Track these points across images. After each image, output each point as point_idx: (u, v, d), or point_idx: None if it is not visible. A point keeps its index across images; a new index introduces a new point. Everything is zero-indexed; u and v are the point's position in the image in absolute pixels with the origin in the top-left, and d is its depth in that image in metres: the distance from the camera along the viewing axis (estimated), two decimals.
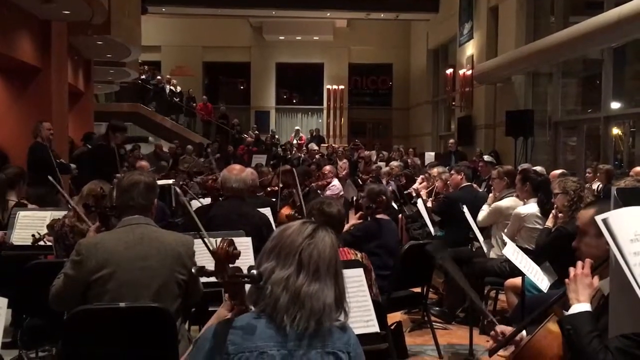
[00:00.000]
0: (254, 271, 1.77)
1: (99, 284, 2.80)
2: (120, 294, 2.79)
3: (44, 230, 4.31)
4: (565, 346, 2.15)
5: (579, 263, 2.22)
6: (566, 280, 2.21)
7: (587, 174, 9.30)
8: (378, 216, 4.87)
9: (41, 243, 4.27)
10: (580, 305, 2.11)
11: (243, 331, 1.75)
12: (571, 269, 2.22)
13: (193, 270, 1.90)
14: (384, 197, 4.97)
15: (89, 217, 3.88)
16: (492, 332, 2.47)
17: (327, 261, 1.83)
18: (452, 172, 7.03)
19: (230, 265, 1.84)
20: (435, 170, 8.18)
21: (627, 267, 1.60)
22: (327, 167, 9.66)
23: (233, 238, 1.97)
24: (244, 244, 3.72)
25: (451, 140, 16.11)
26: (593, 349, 2.00)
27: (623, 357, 1.99)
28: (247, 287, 1.86)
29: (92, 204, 3.63)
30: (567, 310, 2.16)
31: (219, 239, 1.92)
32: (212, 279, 2.10)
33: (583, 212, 2.47)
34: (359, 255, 3.76)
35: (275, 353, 1.75)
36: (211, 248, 2.81)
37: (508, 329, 2.45)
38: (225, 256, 1.83)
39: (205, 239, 2.75)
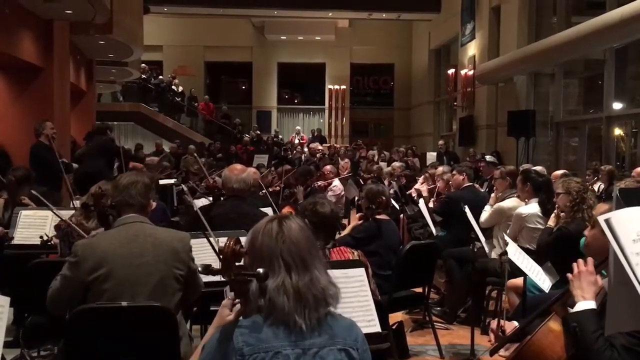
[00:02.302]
0: (260, 269, 1.78)
1: (97, 284, 2.81)
2: (119, 291, 2.81)
3: (46, 229, 4.33)
4: (566, 344, 2.15)
5: (580, 260, 2.23)
6: (569, 276, 2.21)
7: (587, 176, 9.26)
8: (378, 217, 4.87)
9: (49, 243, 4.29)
10: (586, 303, 2.12)
11: (256, 332, 1.77)
12: (574, 265, 2.22)
13: (199, 269, 1.91)
14: (383, 198, 4.96)
15: (89, 217, 3.91)
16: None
17: (306, 246, 1.86)
18: (454, 172, 7.04)
19: (237, 264, 1.84)
20: (436, 171, 8.19)
21: (629, 266, 1.60)
22: (328, 167, 9.65)
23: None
24: None
25: (440, 142, 16.11)
26: (599, 346, 2.01)
27: (629, 355, 1.99)
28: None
29: (91, 203, 3.65)
30: (570, 308, 2.17)
31: (224, 239, 1.93)
32: (215, 279, 2.11)
33: (601, 205, 2.55)
34: (355, 253, 3.76)
35: (289, 352, 1.77)
36: (216, 247, 2.82)
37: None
38: (232, 254, 1.84)
39: (211, 239, 2.76)
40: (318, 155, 15.99)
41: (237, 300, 1.88)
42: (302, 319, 1.77)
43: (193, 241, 3.11)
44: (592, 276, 2.17)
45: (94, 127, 10.01)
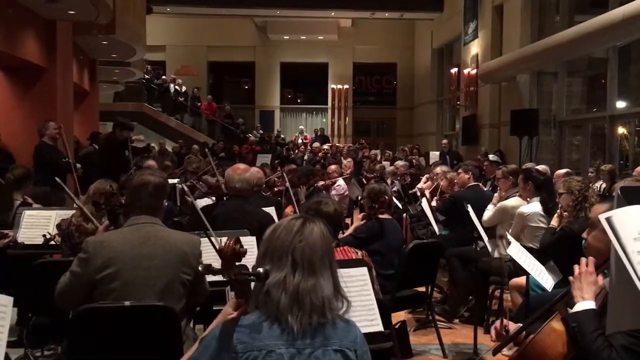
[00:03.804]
0: (260, 269, 1.79)
1: (105, 283, 2.81)
2: (125, 293, 2.80)
3: (49, 229, 4.34)
4: (569, 344, 2.15)
5: (583, 260, 2.23)
6: (570, 278, 2.22)
7: (589, 174, 9.27)
8: (381, 216, 4.86)
9: (51, 243, 4.30)
10: (585, 303, 2.11)
11: (251, 330, 1.77)
12: (576, 267, 2.23)
13: (200, 268, 1.92)
14: (385, 197, 4.95)
15: (97, 216, 3.91)
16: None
17: (320, 253, 1.85)
18: (460, 171, 7.03)
19: (237, 263, 1.85)
20: (439, 170, 8.18)
21: (630, 265, 1.60)
22: (332, 167, 9.64)
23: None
24: (249, 243, 3.74)
25: (444, 141, 16.12)
26: (597, 346, 2.01)
27: (628, 355, 1.98)
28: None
29: (102, 201, 3.65)
30: (571, 308, 2.16)
31: (225, 238, 1.93)
32: (217, 279, 2.11)
33: (597, 206, 2.51)
34: (359, 253, 3.76)
35: (283, 351, 1.76)
36: (217, 247, 2.83)
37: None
38: (232, 254, 1.84)
39: (212, 238, 2.75)
40: (320, 154, 15.99)
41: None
42: (294, 320, 1.76)
43: None
44: (592, 276, 2.17)
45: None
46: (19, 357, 4.14)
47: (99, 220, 3.81)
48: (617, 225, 1.66)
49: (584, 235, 2.54)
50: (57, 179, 4.45)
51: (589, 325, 2.05)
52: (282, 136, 21.02)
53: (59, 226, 4.17)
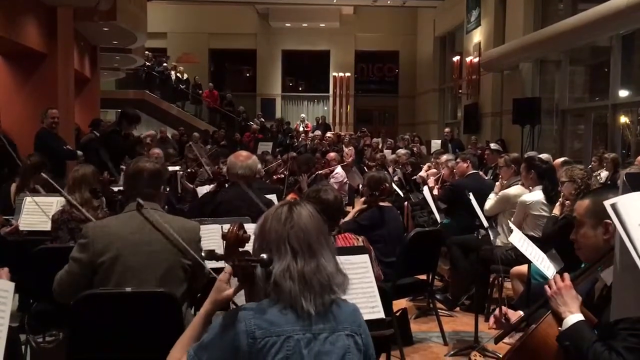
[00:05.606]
0: (264, 255, 1.79)
1: (105, 268, 2.81)
2: (126, 278, 2.80)
3: (51, 215, 4.33)
4: None
5: (557, 276, 2.20)
6: (549, 294, 2.18)
7: (592, 163, 9.26)
8: (381, 204, 4.86)
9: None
10: (575, 316, 2.10)
11: (268, 316, 1.77)
12: (551, 282, 2.21)
13: (203, 254, 1.92)
14: (386, 185, 4.95)
15: (95, 203, 3.92)
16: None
17: (314, 234, 1.86)
18: (458, 160, 7.01)
19: (240, 249, 1.85)
20: (442, 158, 8.16)
21: (635, 251, 1.59)
22: (332, 155, 9.64)
23: None
24: (251, 230, 3.73)
25: (446, 129, 16.11)
26: (594, 353, 1.98)
27: (634, 355, 1.95)
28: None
29: (99, 189, 3.65)
30: (559, 329, 2.13)
31: (227, 225, 1.93)
32: (219, 265, 2.10)
33: (579, 203, 2.43)
34: (359, 239, 3.77)
35: (300, 337, 1.77)
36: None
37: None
38: (235, 240, 1.84)
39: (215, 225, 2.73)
40: (316, 142, 15.99)
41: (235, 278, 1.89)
42: (308, 304, 1.78)
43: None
44: (573, 290, 2.15)
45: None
46: (21, 343, 4.14)
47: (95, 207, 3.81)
48: (622, 211, 1.64)
49: (572, 236, 2.44)
50: (43, 174, 4.44)
51: (583, 336, 2.03)
52: (286, 123, 20.92)
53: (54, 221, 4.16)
